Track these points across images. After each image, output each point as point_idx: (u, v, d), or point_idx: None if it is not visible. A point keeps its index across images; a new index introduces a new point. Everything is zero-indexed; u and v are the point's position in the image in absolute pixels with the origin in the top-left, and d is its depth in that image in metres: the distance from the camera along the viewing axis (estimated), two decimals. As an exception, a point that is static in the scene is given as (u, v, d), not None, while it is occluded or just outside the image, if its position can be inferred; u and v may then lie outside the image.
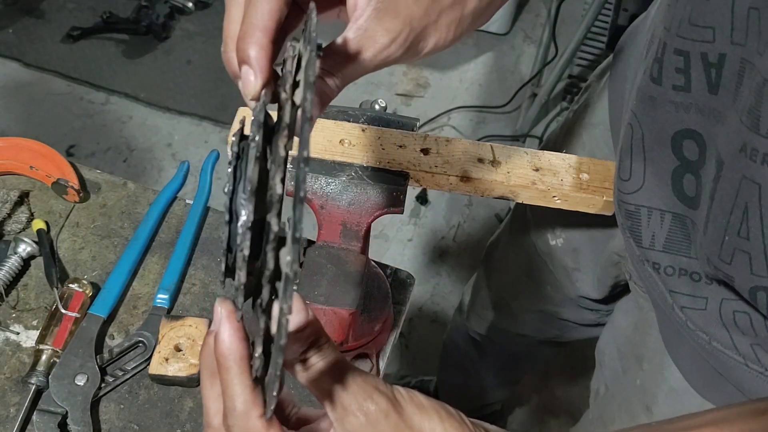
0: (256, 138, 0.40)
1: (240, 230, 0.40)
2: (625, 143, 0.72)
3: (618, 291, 1.05)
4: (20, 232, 0.92)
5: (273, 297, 0.39)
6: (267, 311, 0.39)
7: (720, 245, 0.60)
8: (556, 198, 0.84)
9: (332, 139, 0.80)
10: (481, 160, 0.83)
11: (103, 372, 0.82)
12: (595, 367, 1.02)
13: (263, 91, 0.45)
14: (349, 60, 0.48)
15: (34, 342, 0.82)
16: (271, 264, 0.37)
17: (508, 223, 1.23)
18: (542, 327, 1.24)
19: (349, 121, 0.83)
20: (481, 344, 1.43)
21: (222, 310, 0.41)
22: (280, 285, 0.37)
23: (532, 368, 1.69)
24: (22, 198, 0.94)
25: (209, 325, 0.82)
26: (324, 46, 0.46)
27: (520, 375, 1.67)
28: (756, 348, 0.66)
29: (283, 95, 0.42)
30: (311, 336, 0.42)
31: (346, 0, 0.51)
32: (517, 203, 1.19)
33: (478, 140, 0.87)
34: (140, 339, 0.84)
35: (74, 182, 0.93)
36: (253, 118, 0.42)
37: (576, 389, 1.92)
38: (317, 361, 0.42)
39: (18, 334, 0.85)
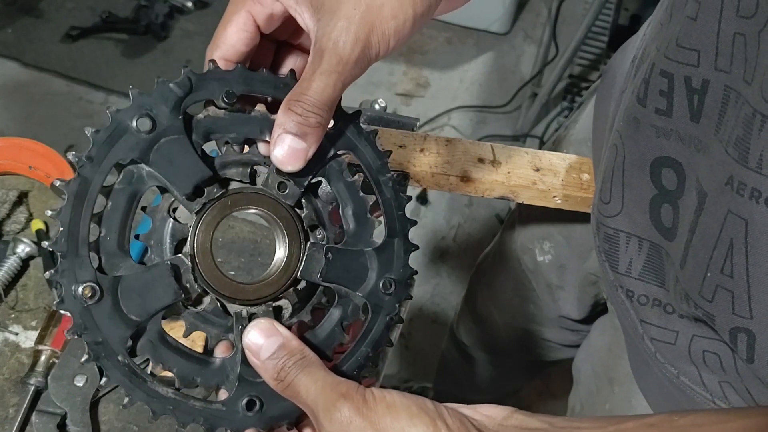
0: None
1: None
2: (608, 165, 0.70)
3: (598, 311, 1.04)
4: (19, 232, 0.92)
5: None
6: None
7: (701, 281, 0.57)
8: (557, 198, 0.84)
9: (332, 139, 0.80)
10: (481, 160, 0.83)
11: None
12: (573, 384, 1.02)
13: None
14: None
15: (33, 342, 0.82)
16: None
17: (498, 241, 1.23)
18: (525, 344, 1.24)
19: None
20: (471, 356, 1.44)
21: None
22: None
23: (521, 384, 1.70)
24: (21, 198, 0.94)
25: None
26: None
27: (511, 390, 1.68)
28: (724, 385, 0.64)
29: None
30: (284, 356, 0.47)
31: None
32: (509, 217, 1.20)
33: (478, 140, 0.87)
34: (139, 339, 0.84)
35: (73, 182, 0.93)
36: None
37: (560, 403, 1.91)
38: (291, 377, 0.46)
39: (17, 334, 0.85)
